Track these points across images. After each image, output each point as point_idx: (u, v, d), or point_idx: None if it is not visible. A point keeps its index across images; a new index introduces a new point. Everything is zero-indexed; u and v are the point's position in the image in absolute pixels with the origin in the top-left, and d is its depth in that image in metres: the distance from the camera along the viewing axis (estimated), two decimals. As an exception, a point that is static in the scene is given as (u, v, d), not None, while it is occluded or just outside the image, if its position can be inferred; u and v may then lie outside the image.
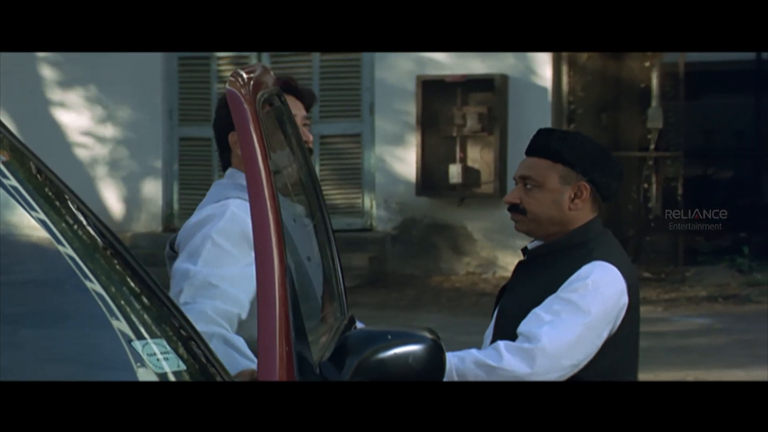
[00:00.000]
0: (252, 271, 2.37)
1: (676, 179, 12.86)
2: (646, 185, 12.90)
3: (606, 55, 13.04)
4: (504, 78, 12.55)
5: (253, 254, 2.37)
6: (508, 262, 12.03)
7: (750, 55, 15.81)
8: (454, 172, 12.50)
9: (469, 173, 12.60)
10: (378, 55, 12.87)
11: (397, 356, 2.43)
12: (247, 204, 2.53)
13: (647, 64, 12.98)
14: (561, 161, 3.29)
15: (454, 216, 12.78)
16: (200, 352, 2.23)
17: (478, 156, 12.65)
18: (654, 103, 12.78)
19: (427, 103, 12.60)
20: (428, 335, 2.47)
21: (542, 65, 12.65)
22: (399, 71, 12.92)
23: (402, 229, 12.88)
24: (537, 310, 3.19)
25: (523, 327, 3.17)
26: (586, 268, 3.22)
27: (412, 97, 12.71)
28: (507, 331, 3.22)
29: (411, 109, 12.75)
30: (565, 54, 12.71)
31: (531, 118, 12.54)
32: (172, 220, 13.59)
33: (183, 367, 2.12)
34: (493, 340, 3.24)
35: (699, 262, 12.79)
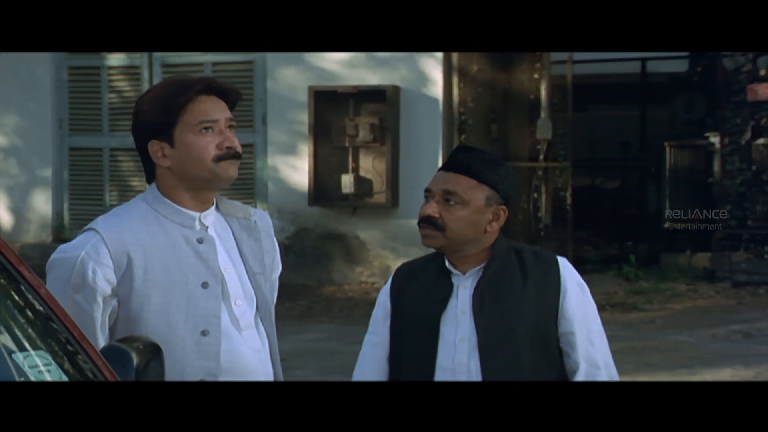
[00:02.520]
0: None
1: (564, 189, 13.02)
2: (535, 195, 13.05)
3: (496, 67, 13.16)
4: (396, 89, 12.60)
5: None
6: (401, 271, 12.03)
7: (635, 68, 16.08)
8: (347, 182, 12.51)
9: (362, 183, 12.61)
10: (270, 65, 12.84)
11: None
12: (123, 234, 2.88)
13: (536, 75, 13.13)
14: (487, 183, 3.26)
15: (347, 226, 12.79)
16: (87, 367, 2.20)
17: (371, 166, 12.67)
18: (543, 114, 12.93)
19: (319, 114, 12.59)
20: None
21: (433, 76, 12.72)
22: (291, 82, 12.90)
23: (295, 239, 12.85)
24: (580, 333, 3.29)
25: (583, 356, 3.28)
26: (564, 271, 3.31)
27: (304, 107, 12.70)
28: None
29: (303, 120, 12.74)
30: (455, 65, 12.79)
31: (422, 128, 12.61)
32: (62, 231, 13.38)
33: (65, 379, 2.10)
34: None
35: (587, 270, 12.95)
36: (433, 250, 3.36)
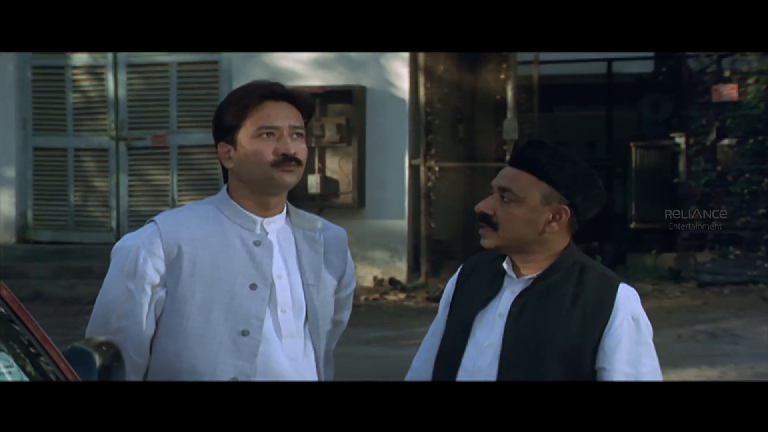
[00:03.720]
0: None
1: (530, 189, 13.03)
2: (501, 195, 13.07)
3: (462, 68, 13.18)
4: (362, 89, 12.59)
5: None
6: (367, 272, 12.06)
7: (601, 69, 16.14)
8: (313, 182, 12.50)
9: (328, 183, 12.60)
10: (235, 65, 12.80)
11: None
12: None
13: (502, 76, 13.16)
14: (546, 179, 3.03)
15: (313, 226, 12.74)
16: (50, 369, 2.19)
17: (337, 166, 12.66)
18: (509, 114, 12.96)
19: (285, 114, 12.55)
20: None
21: (400, 77, 12.73)
22: (257, 81, 12.86)
23: (261, 240, 12.81)
24: (619, 371, 2.97)
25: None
26: (620, 299, 3.01)
27: (270, 107, 12.65)
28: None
29: (269, 120, 12.69)
30: (422, 65, 12.80)
31: (389, 128, 12.61)
32: (26, 231, 13.30)
33: (26, 380, 2.09)
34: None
35: (553, 270, 12.99)
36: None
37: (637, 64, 15.91)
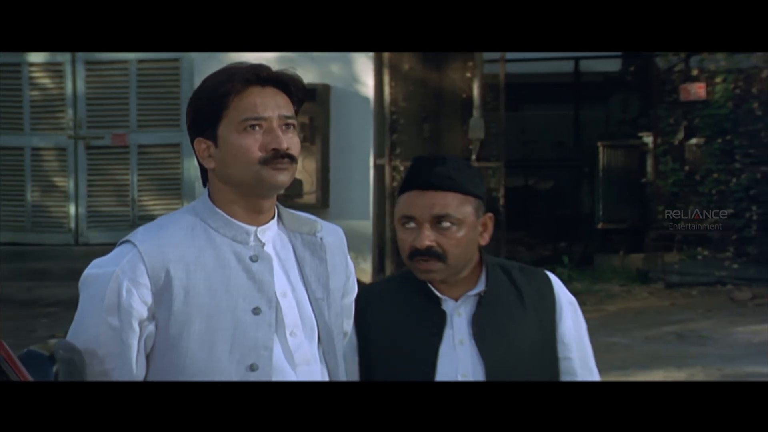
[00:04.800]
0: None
1: (497, 189, 13.07)
2: (468, 195, 13.09)
3: (428, 66, 13.20)
4: (326, 88, 12.58)
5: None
6: (331, 273, 12.00)
7: (569, 67, 16.21)
8: (276, 182, 12.46)
9: (292, 183, 12.54)
10: (197, 63, 12.76)
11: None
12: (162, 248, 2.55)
13: (468, 74, 13.18)
14: (470, 194, 2.94)
15: (276, 227, 12.74)
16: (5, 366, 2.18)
17: (300, 166, 12.64)
18: (475, 113, 12.98)
19: (248, 112, 12.53)
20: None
21: (364, 75, 12.72)
22: (219, 79, 12.83)
23: (223, 241, 12.78)
24: (577, 358, 3.02)
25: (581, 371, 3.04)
26: (557, 289, 3.04)
27: (232, 106, 12.63)
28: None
29: (232, 118, 12.66)
30: (387, 63, 12.80)
31: (353, 127, 12.61)
32: (-19, 233, 13.22)
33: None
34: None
35: (520, 271, 13.02)
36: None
37: (604, 62, 15.98)
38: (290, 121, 2.71)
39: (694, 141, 13.53)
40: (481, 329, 2.94)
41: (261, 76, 2.69)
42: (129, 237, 2.67)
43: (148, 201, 13.04)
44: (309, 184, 12.62)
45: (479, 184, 2.98)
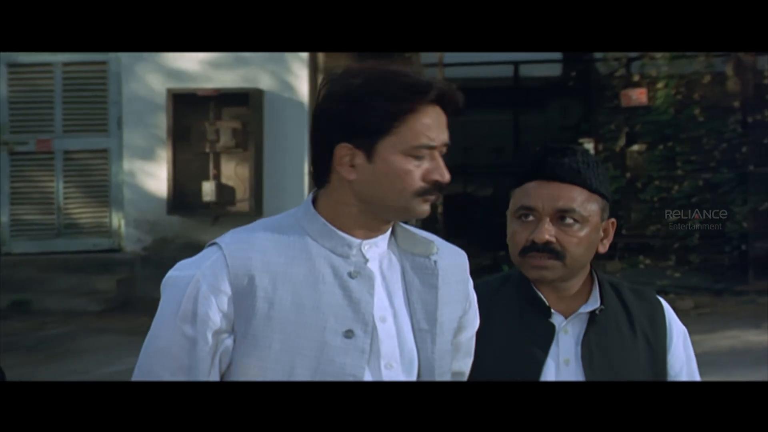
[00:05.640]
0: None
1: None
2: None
3: (364, 70, 13.19)
4: (259, 92, 12.55)
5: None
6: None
7: (508, 72, 16.28)
8: (208, 189, 12.42)
9: (224, 191, 12.53)
10: (125, 65, 12.68)
11: None
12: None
13: (406, 79, 13.20)
14: (597, 192, 2.76)
15: (208, 235, 12.64)
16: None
17: (233, 172, 12.60)
18: (413, 119, 12.99)
19: (178, 117, 12.48)
20: None
21: (299, 79, 12.70)
22: (148, 84, 12.75)
23: (153, 250, 12.70)
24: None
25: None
26: (669, 317, 2.83)
27: (162, 110, 12.57)
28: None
29: (161, 123, 12.61)
30: (322, 67, 12.79)
31: (287, 132, 12.58)
32: None
33: None
34: None
35: (459, 281, 13.07)
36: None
37: (544, 67, 16.08)
38: (447, 145, 2.46)
39: (635, 147, 13.64)
40: (590, 350, 2.73)
41: (444, 97, 2.45)
42: (217, 239, 2.44)
43: (74, 209, 12.92)
44: (242, 191, 12.57)
45: (606, 183, 2.80)
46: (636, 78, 13.80)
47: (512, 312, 2.79)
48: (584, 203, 2.72)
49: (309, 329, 2.36)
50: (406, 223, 2.51)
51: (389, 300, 2.43)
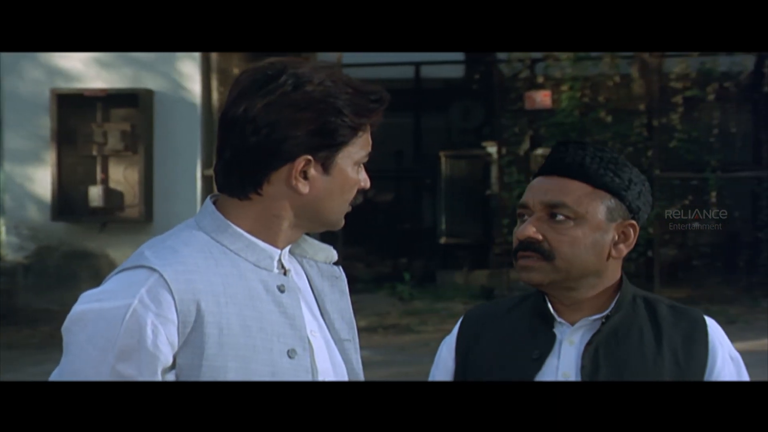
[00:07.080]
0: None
1: (333, 202, 13.12)
2: (302, 209, 13.12)
3: (259, 70, 13.17)
4: (149, 93, 12.46)
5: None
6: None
7: (409, 73, 16.34)
8: (95, 194, 12.30)
9: (112, 196, 12.43)
10: (6, 64, 12.53)
11: None
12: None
13: (303, 79, 13.20)
14: (608, 189, 2.59)
15: (96, 243, 12.56)
16: None
17: (122, 177, 12.50)
18: (310, 121, 13.00)
19: (63, 119, 12.35)
20: None
21: (190, 79, 12.64)
22: (31, 83, 12.61)
23: (35, 258, 12.55)
24: None
25: None
26: (714, 337, 2.61)
27: (46, 111, 12.43)
28: None
29: (45, 125, 12.47)
30: (215, 67, 12.75)
31: (179, 135, 12.51)
32: None
33: None
34: None
35: (358, 290, 13.08)
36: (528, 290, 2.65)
37: (446, 68, 16.17)
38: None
39: (540, 151, 13.78)
40: (594, 364, 2.57)
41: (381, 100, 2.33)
42: (139, 261, 2.19)
43: (-49, 215, 12.74)
44: (131, 197, 12.48)
45: (625, 182, 2.60)
46: (540, 80, 13.94)
47: (515, 323, 2.69)
48: (582, 198, 2.56)
49: (259, 352, 2.21)
50: None
51: (311, 312, 2.32)
